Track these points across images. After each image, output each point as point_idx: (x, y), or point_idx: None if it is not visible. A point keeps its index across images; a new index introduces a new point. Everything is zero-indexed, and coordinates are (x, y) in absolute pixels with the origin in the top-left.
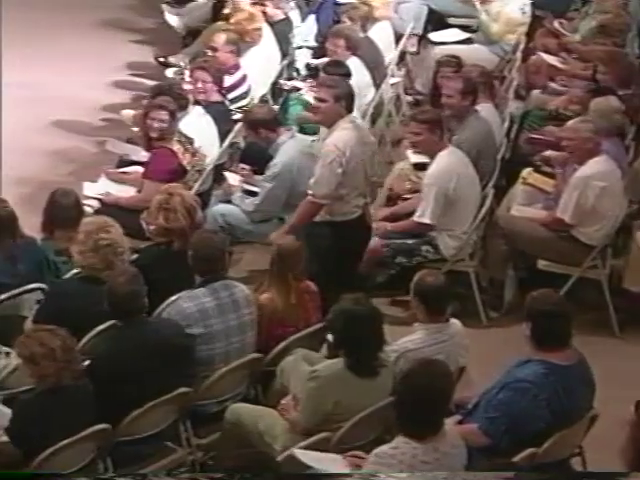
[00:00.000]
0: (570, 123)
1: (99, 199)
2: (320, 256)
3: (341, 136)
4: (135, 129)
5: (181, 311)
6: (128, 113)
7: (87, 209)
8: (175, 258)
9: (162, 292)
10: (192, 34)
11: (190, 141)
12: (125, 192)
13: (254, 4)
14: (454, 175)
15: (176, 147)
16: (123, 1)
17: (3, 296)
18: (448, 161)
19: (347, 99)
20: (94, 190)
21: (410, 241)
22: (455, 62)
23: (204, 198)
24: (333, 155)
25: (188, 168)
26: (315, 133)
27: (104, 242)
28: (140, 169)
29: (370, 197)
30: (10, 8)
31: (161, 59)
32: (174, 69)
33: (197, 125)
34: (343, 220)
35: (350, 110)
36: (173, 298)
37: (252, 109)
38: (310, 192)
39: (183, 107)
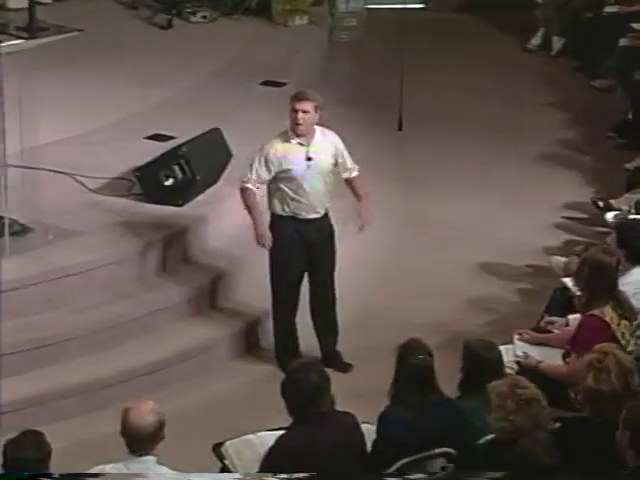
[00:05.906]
0: None
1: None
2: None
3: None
4: (565, 279)
5: None
6: (558, 260)
7: (508, 371)
8: (600, 429)
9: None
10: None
11: (630, 307)
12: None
13: None
14: None
15: (609, 316)
16: (563, 135)
17: (404, 460)
18: None
19: None
20: (518, 348)
21: None
22: None
23: None
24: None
25: (624, 332)
26: None
27: (523, 401)
28: (567, 328)
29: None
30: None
31: (600, 202)
32: (614, 213)
33: None
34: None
35: None
36: None
37: None
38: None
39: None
